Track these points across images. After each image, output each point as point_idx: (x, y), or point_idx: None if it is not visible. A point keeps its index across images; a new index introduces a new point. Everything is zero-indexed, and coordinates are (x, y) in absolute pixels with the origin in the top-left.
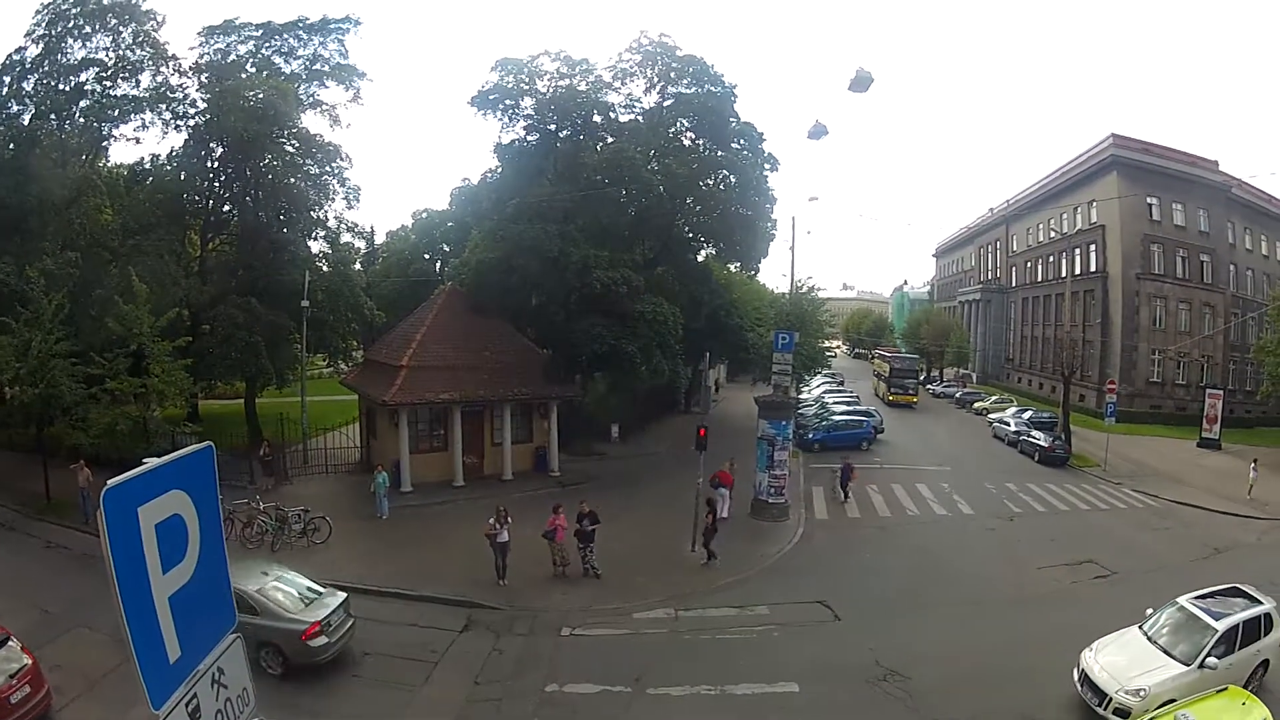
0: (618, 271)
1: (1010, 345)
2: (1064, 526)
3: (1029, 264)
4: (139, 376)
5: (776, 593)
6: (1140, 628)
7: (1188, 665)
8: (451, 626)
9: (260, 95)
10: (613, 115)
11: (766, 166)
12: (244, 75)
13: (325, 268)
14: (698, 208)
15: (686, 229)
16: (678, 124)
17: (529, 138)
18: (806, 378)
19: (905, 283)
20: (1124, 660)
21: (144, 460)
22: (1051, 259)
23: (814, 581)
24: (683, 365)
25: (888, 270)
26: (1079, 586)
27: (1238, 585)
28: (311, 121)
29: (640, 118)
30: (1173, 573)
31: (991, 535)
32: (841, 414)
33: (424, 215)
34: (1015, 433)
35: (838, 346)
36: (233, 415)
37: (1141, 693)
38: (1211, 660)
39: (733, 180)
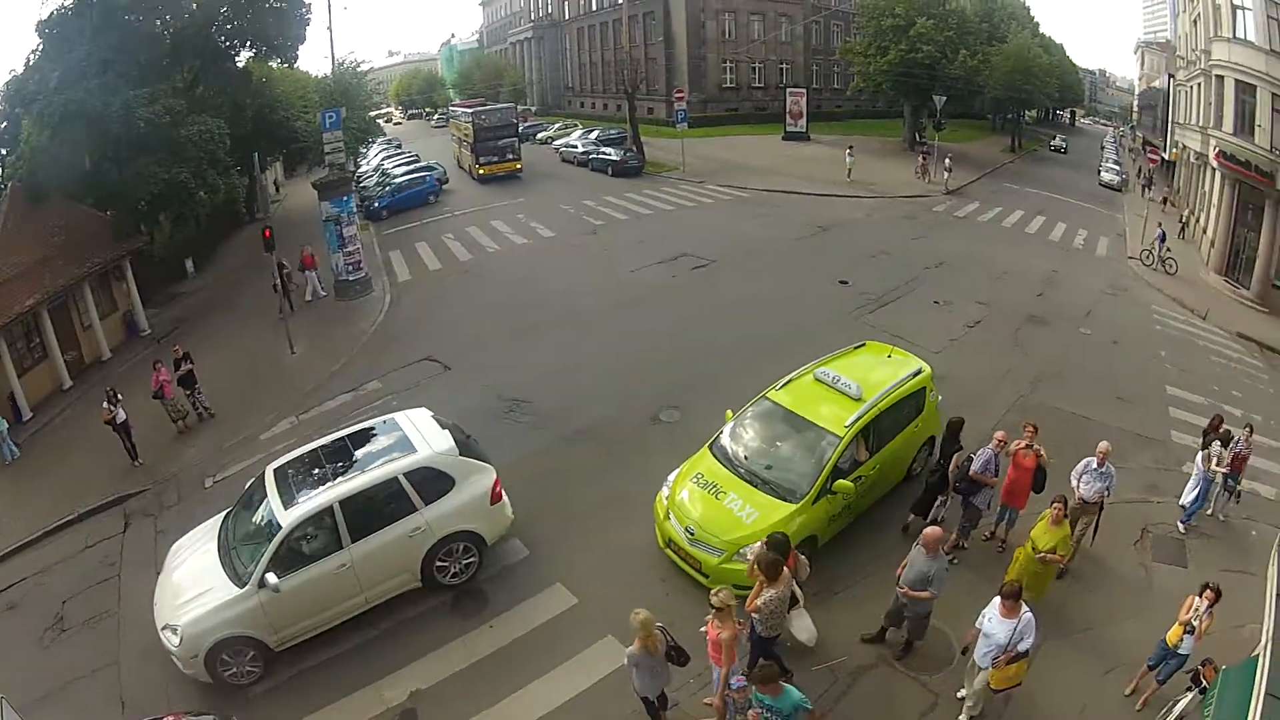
0: (159, 104)
1: (569, 74)
2: (651, 229)
3: None
4: None
5: (383, 364)
6: (227, 515)
7: (242, 587)
8: (115, 530)
9: None
10: None
11: None
12: None
13: None
14: (232, 14)
15: (222, 39)
16: None
17: (66, 2)
18: (363, 150)
19: (453, 36)
20: (185, 574)
21: None
22: None
23: (416, 342)
24: (238, 175)
25: (435, 30)
26: (679, 280)
27: (394, 417)
28: None
29: None
30: (776, 253)
31: (578, 252)
32: (402, 175)
33: None
34: (584, 153)
35: (394, 113)
36: None
37: (172, 630)
38: (271, 578)
39: None
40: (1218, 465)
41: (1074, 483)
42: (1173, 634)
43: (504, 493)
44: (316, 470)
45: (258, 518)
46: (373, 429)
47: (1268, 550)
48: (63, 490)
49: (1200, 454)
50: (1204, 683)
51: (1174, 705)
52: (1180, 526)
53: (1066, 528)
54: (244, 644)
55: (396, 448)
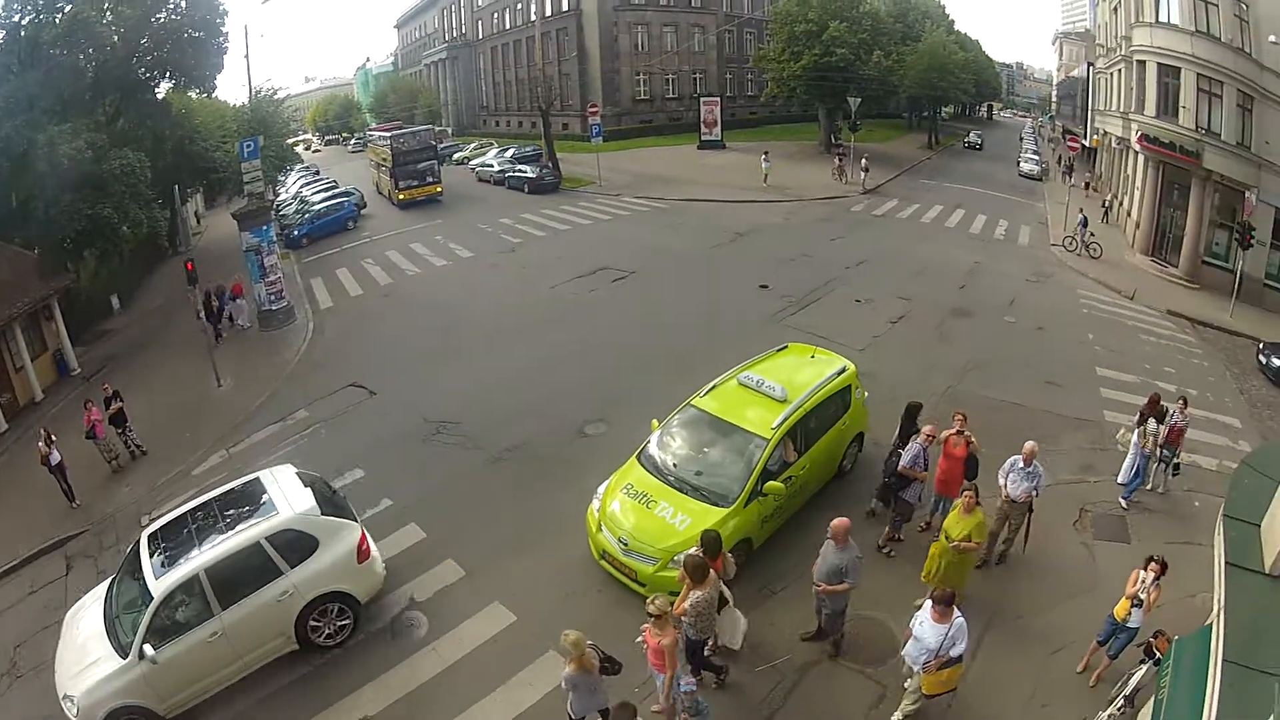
0: (82, 139)
1: (484, 93)
2: (569, 244)
3: (495, 15)
4: None
5: (309, 392)
6: (112, 580)
7: (125, 658)
8: (58, 573)
9: None
10: None
11: None
12: None
13: None
14: (152, 45)
15: (142, 70)
16: None
17: None
18: (281, 178)
19: (368, 60)
20: (79, 642)
21: None
22: (520, 6)
23: (340, 368)
24: (159, 209)
25: (351, 54)
26: (598, 293)
27: (259, 476)
28: None
29: None
30: (695, 261)
31: (497, 270)
32: (320, 202)
33: None
34: (500, 172)
35: (312, 139)
36: None
37: (70, 700)
38: (148, 649)
39: (184, 5)
40: (1154, 443)
41: (1001, 482)
42: (1120, 608)
43: (373, 548)
44: (186, 536)
45: (135, 586)
46: (237, 490)
47: (1212, 520)
48: (4, 535)
49: (1135, 431)
50: (1157, 654)
51: (1129, 678)
52: (1121, 503)
53: (979, 515)
54: (136, 713)
55: (260, 510)
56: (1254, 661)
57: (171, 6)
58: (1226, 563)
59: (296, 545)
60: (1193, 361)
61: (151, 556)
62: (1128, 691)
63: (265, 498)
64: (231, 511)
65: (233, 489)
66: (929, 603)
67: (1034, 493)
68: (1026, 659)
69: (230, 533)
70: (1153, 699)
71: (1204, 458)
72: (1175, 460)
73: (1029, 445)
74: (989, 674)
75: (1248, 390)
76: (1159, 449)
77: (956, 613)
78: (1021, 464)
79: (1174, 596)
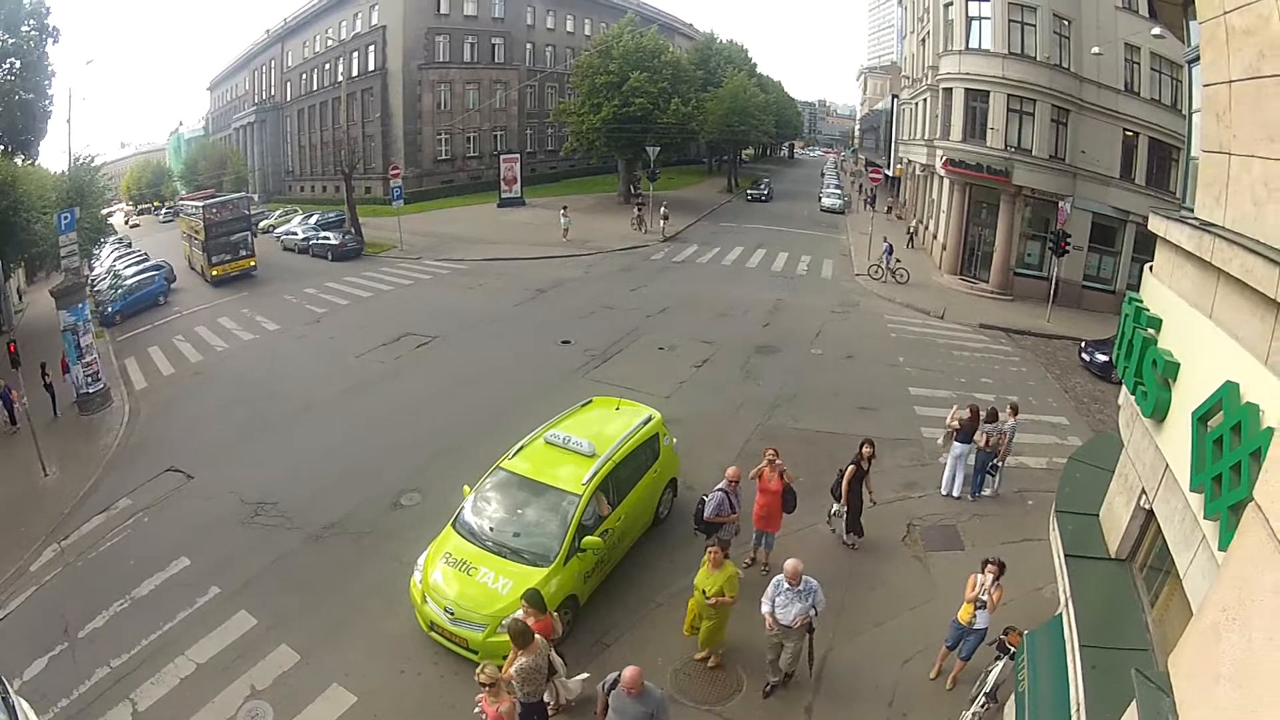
0: None
1: (289, 158)
2: (372, 311)
3: (304, 76)
4: None
5: (130, 480)
6: None
7: None
8: None
9: None
10: None
11: (50, 40)
12: None
13: None
14: None
15: None
16: None
17: None
18: (95, 251)
19: (180, 124)
20: None
21: None
22: (328, 66)
23: (159, 452)
24: None
25: (166, 118)
26: (403, 360)
27: None
28: None
29: None
30: (497, 321)
31: (303, 342)
32: (132, 276)
33: None
34: (304, 239)
35: (129, 210)
36: None
37: None
38: None
39: (18, 65)
40: (999, 442)
41: (766, 609)
42: (963, 613)
43: None
44: None
45: None
46: None
47: (1047, 516)
48: None
49: (964, 446)
50: (1011, 649)
51: (987, 675)
52: (970, 496)
53: (730, 569)
54: None
55: None
56: (1111, 641)
57: (6, 67)
58: (1065, 555)
59: None
60: (1010, 369)
61: None
62: (988, 688)
63: None
64: None
65: None
66: None
67: (812, 612)
68: (877, 673)
69: None
70: (1014, 692)
71: (1032, 458)
72: (998, 464)
73: (791, 563)
74: (843, 692)
75: (1071, 388)
76: (990, 453)
77: None
78: (787, 584)
79: (1020, 592)
